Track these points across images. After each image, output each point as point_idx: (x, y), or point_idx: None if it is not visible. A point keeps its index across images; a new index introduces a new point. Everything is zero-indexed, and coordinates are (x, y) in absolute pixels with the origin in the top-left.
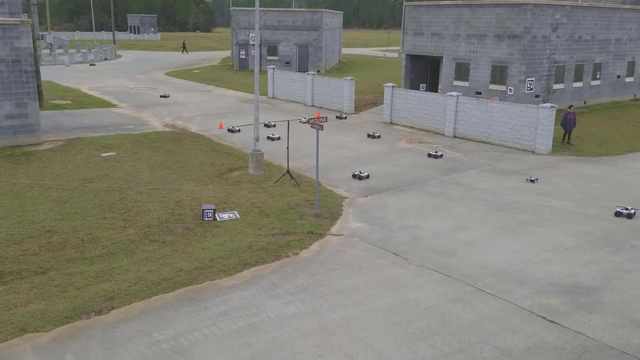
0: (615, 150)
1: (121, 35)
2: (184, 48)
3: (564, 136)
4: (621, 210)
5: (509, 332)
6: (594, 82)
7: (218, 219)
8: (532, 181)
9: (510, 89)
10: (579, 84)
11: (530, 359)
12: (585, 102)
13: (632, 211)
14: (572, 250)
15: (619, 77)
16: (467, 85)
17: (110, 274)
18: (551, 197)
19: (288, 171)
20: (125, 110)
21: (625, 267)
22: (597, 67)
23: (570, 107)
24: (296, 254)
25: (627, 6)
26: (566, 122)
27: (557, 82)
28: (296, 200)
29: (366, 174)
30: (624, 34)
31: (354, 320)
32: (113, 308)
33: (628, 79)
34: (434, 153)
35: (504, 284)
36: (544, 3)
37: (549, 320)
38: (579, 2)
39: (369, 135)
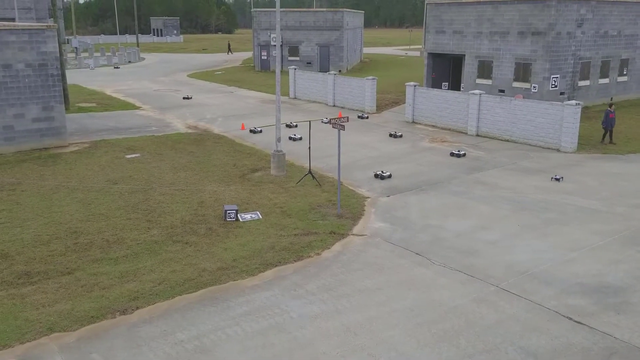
0: None
1: (144, 38)
2: (229, 49)
3: (604, 135)
4: None
5: (535, 333)
6: (620, 79)
7: (240, 220)
8: (558, 180)
9: (534, 87)
10: (605, 81)
11: None
12: (611, 98)
13: None
14: (599, 250)
15: None
16: (490, 83)
17: (135, 274)
18: (577, 195)
19: (310, 171)
20: (149, 112)
21: None
22: (624, 63)
23: (610, 105)
24: (318, 254)
25: None
26: (607, 121)
27: (582, 78)
28: (318, 201)
29: (388, 173)
30: None
31: (376, 321)
32: (137, 308)
33: None
34: (457, 152)
35: (528, 284)
36: None
37: (576, 321)
38: None
39: (390, 135)
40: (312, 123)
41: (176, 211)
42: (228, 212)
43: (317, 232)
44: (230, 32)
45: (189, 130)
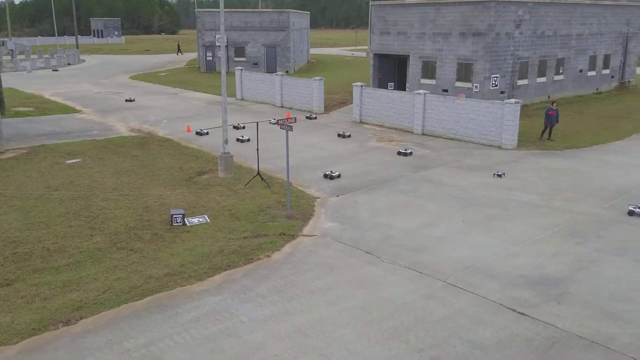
0: (579, 143)
1: (84, 40)
2: (179, 50)
3: (543, 132)
4: (633, 209)
5: (481, 326)
6: (557, 77)
7: (188, 224)
8: (499, 176)
9: (475, 86)
10: (543, 79)
11: (501, 352)
12: (549, 96)
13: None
14: (540, 243)
15: (581, 71)
16: (434, 83)
17: (78, 283)
18: (518, 191)
19: (259, 173)
20: (90, 116)
21: (592, 258)
22: (560, 62)
23: (552, 103)
24: (268, 256)
25: (588, 1)
26: (548, 119)
27: (521, 77)
28: (267, 202)
29: (337, 173)
30: (585, 29)
31: (327, 321)
32: (81, 318)
33: (590, 73)
34: (404, 151)
35: (474, 279)
36: (507, 0)
37: (519, 313)
38: None
39: (339, 135)
40: (260, 124)
41: (120, 217)
42: (174, 216)
43: (266, 234)
44: (174, 32)
45: (133, 134)
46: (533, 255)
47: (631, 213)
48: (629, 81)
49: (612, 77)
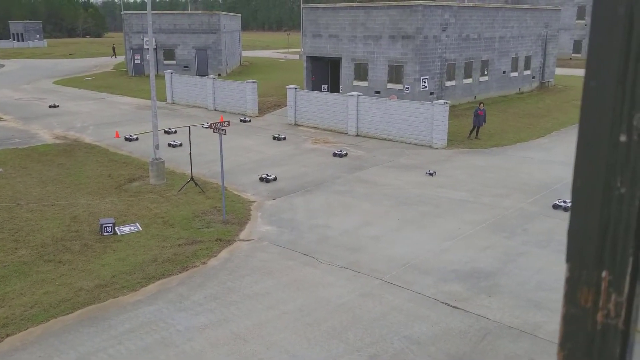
0: (504, 141)
1: (3, 44)
2: (114, 53)
3: (472, 131)
4: (560, 203)
5: (417, 321)
6: (482, 78)
7: (118, 233)
8: (431, 174)
9: (406, 88)
10: (469, 81)
11: (437, 346)
12: (475, 97)
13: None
14: (471, 238)
15: (504, 72)
16: (367, 85)
17: (3, 299)
18: (449, 188)
19: (192, 178)
20: (11, 123)
21: (519, 251)
22: (485, 64)
23: (480, 103)
24: (204, 263)
25: (509, 5)
26: (476, 118)
27: (449, 79)
28: (202, 208)
29: (273, 176)
30: (507, 31)
31: (266, 325)
32: (8, 335)
33: (513, 74)
34: (339, 152)
35: (409, 275)
36: (433, 4)
37: (453, 307)
38: (465, 2)
39: (274, 138)
40: (192, 128)
41: (46, 228)
42: (104, 225)
43: (202, 241)
44: (99, 35)
45: (57, 141)
46: (464, 250)
47: (556, 207)
48: (548, 81)
49: (533, 77)
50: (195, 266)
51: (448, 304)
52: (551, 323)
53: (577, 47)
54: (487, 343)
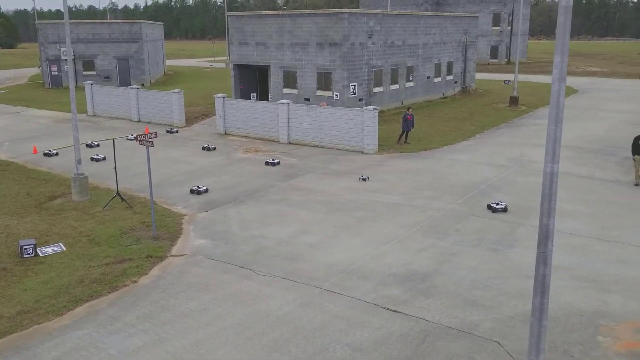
0: (432, 144)
1: None
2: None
3: (401, 135)
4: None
5: (359, 327)
6: (408, 84)
7: (40, 255)
8: (364, 180)
9: (335, 94)
10: (396, 86)
11: (379, 351)
12: (402, 102)
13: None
14: (406, 241)
15: (428, 78)
16: (297, 93)
17: None
18: (382, 193)
19: (118, 193)
20: None
21: (453, 251)
22: (410, 70)
23: (409, 109)
24: (135, 281)
25: (430, 13)
26: (405, 123)
27: (376, 85)
28: (130, 224)
29: (205, 188)
30: (429, 38)
31: (204, 343)
32: None
33: (436, 80)
34: (271, 161)
35: (349, 282)
36: (359, 12)
37: (393, 310)
38: (389, 10)
39: (203, 148)
40: (116, 141)
41: None
42: (24, 247)
43: (131, 258)
44: (11, 46)
45: None
46: (400, 253)
47: (489, 207)
48: (469, 86)
49: (455, 82)
50: (125, 285)
51: (388, 308)
52: (487, 321)
53: (493, 52)
54: (427, 345)
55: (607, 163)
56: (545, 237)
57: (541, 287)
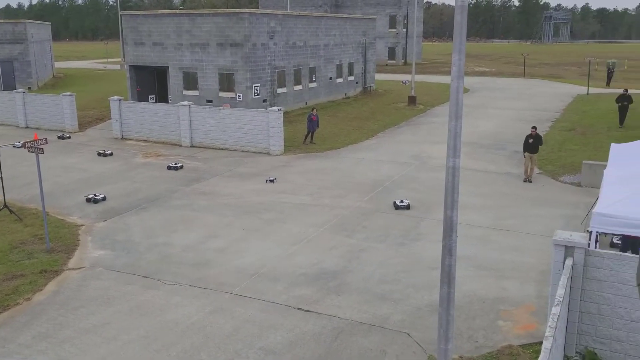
0: (336, 144)
1: None
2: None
3: (307, 136)
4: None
5: (271, 330)
6: (311, 85)
7: None
8: (272, 181)
9: (239, 96)
10: (299, 87)
11: (293, 353)
12: (306, 103)
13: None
14: (315, 240)
15: (330, 78)
16: (198, 94)
17: None
18: (290, 193)
19: (5, 205)
20: None
21: (361, 247)
22: (312, 71)
23: (313, 109)
24: (28, 299)
25: (330, 15)
26: (310, 123)
27: (280, 86)
28: (20, 237)
29: (102, 195)
30: (330, 39)
31: (108, 359)
32: None
33: (338, 80)
34: (174, 165)
35: (259, 285)
36: (259, 12)
37: (305, 310)
38: (289, 11)
39: (99, 154)
40: (1, 149)
41: None
42: None
43: (23, 274)
44: None
45: None
46: (311, 252)
47: (395, 205)
48: (370, 86)
49: (357, 83)
50: (18, 304)
51: (300, 309)
52: (397, 313)
53: (391, 53)
54: (340, 342)
55: (498, 157)
56: (449, 229)
57: (447, 277)
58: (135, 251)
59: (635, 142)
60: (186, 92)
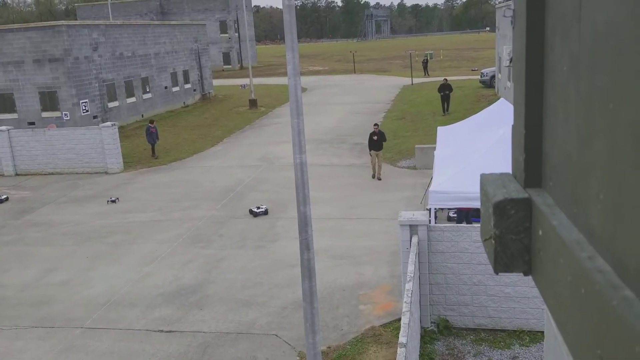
0: (181, 155)
1: None
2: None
3: (153, 149)
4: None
5: (132, 358)
6: (145, 96)
7: None
8: (114, 201)
9: (65, 114)
10: (133, 99)
11: None
12: (142, 115)
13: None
14: (170, 257)
15: (166, 88)
16: (17, 117)
17: None
18: (136, 212)
19: None
20: None
21: (219, 256)
22: (145, 81)
23: (151, 121)
24: None
25: (157, 22)
26: (149, 136)
27: (110, 100)
28: None
29: None
30: (160, 47)
31: None
32: None
33: (175, 89)
34: None
35: (113, 313)
36: (78, 24)
37: (167, 331)
38: (111, 20)
39: None
40: None
41: None
42: None
43: None
44: None
45: None
46: (166, 270)
47: (251, 212)
48: (209, 92)
49: (194, 90)
50: None
51: (162, 330)
52: (263, 316)
53: (226, 58)
54: (208, 356)
55: (341, 150)
56: (304, 224)
57: (307, 271)
58: None
59: (457, 123)
60: (3, 116)
